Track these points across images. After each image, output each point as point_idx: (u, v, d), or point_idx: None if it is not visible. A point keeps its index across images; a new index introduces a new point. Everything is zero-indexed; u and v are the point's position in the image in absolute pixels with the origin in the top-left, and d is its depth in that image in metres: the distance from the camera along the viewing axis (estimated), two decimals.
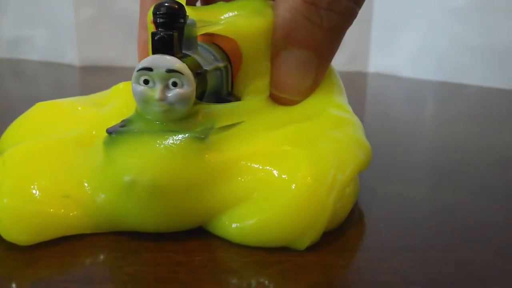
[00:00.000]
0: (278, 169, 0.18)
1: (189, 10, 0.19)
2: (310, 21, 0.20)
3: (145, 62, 0.17)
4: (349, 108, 0.22)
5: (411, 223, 0.20)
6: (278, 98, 0.21)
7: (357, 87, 0.53)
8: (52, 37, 0.64)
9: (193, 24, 0.19)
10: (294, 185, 0.17)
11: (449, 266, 0.17)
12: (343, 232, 0.19)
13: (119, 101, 0.22)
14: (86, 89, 0.55)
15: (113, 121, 0.20)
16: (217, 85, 0.20)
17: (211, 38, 0.21)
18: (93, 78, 0.58)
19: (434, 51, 0.55)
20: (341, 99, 0.22)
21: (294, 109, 0.21)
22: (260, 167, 0.18)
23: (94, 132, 0.20)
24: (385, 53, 0.60)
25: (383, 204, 0.22)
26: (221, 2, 0.22)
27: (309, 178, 0.17)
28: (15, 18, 0.66)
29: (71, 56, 0.63)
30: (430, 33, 0.55)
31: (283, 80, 0.21)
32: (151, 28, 0.22)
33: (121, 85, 0.23)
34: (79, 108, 0.23)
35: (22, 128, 0.23)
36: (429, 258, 0.17)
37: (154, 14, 0.17)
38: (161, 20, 0.17)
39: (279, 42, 0.21)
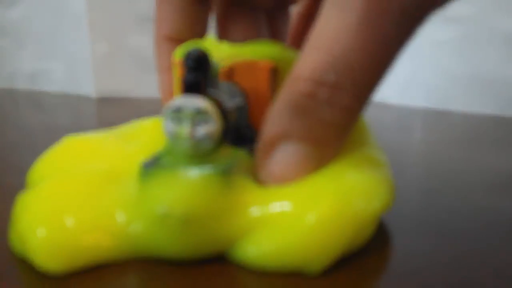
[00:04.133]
0: (302, 197, 0.18)
1: (228, 47, 0.22)
2: (309, 115, 0.18)
3: (175, 103, 0.18)
4: (383, 152, 0.23)
5: (412, 247, 0.20)
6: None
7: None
8: (70, 70, 0.65)
9: (216, 67, 0.20)
10: (314, 214, 0.17)
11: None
12: (355, 257, 0.19)
13: (146, 139, 0.23)
14: (103, 119, 0.56)
15: (141, 157, 0.21)
16: (237, 122, 0.21)
17: (229, 78, 0.23)
18: (110, 108, 0.58)
19: (421, 80, 0.56)
20: (375, 141, 0.23)
21: None
22: (285, 195, 0.18)
23: (121, 168, 0.21)
24: None
25: (382, 228, 0.22)
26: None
27: (331, 209, 0.17)
28: (34, 52, 0.67)
29: (88, 88, 0.63)
30: (417, 63, 0.56)
31: (278, 173, 0.19)
32: (176, 68, 0.23)
33: (148, 123, 0.24)
34: (106, 144, 0.23)
35: (52, 161, 0.23)
36: (436, 281, 0.17)
37: (184, 60, 0.18)
38: (190, 65, 0.18)
39: (276, 134, 0.19)
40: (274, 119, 0.19)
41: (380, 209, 0.19)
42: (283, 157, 0.19)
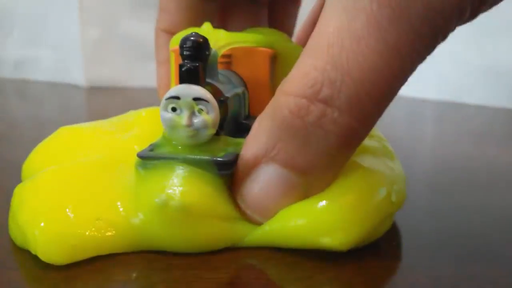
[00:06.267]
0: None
1: (225, 35, 0.22)
2: (295, 137, 0.17)
3: (173, 91, 0.18)
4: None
5: (420, 241, 0.21)
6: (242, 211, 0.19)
7: None
8: (59, 58, 0.65)
9: (215, 54, 0.20)
10: (348, 191, 0.18)
11: (463, 282, 0.18)
12: (365, 249, 0.20)
13: (141, 127, 0.23)
14: (92, 109, 0.56)
15: (136, 146, 0.21)
16: (236, 110, 0.21)
17: (229, 66, 0.23)
18: (100, 98, 0.59)
19: (434, 72, 0.56)
20: (380, 133, 0.23)
21: None
22: None
23: (117, 157, 0.21)
24: None
25: (393, 222, 0.22)
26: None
27: (362, 192, 0.18)
28: (21, 38, 0.67)
29: (77, 76, 0.63)
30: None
31: (256, 197, 0.18)
32: (173, 55, 0.24)
33: (144, 112, 0.25)
34: (102, 134, 0.24)
35: (47, 152, 0.24)
36: (443, 275, 0.18)
37: (181, 47, 0.18)
38: (188, 52, 0.18)
39: (258, 153, 0.18)
40: (258, 135, 0.18)
41: (400, 203, 0.20)
42: (264, 180, 0.18)
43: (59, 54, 0.65)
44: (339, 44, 0.15)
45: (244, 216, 0.19)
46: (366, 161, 0.19)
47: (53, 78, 0.66)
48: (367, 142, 0.21)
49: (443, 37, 0.16)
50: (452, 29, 0.16)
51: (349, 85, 0.15)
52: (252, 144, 0.18)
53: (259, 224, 0.19)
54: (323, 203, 0.18)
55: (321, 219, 0.18)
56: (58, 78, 0.66)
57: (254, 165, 0.18)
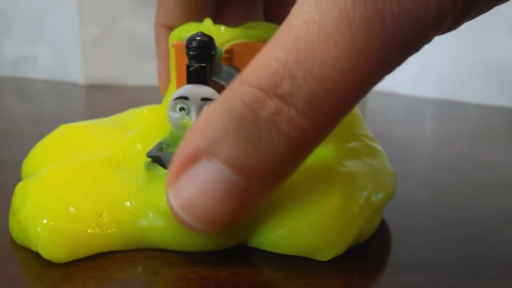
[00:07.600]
0: (316, 182, 0.19)
1: (226, 30, 0.22)
2: (244, 132, 0.15)
3: (182, 92, 0.19)
4: (377, 141, 0.24)
5: (417, 239, 0.21)
6: (176, 215, 0.16)
7: (358, 105, 0.52)
8: (57, 55, 0.65)
9: (220, 52, 0.20)
10: (328, 199, 0.18)
11: (461, 280, 0.18)
12: (360, 248, 0.20)
13: (143, 126, 0.24)
14: (91, 107, 0.56)
15: (139, 145, 0.22)
16: None
17: (230, 61, 0.23)
18: (98, 96, 0.59)
19: (433, 70, 0.57)
20: (368, 131, 0.24)
21: None
22: (298, 180, 0.19)
23: (120, 155, 0.21)
24: None
25: (390, 220, 0.23)
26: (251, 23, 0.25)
27: (343, 195, 0.19)
28: (19, 36, 0.67)
29: (76, 74, 0.64)
30: (429, 52, 0.56)
31: (192, 199, 0.15)
32: (172, 51, 0.24)
33: (145, 110, 0.25)
34: (103, 132, 0.24)
35: (48, 150, 0.24)
36: (441, 273, 0.18)
37: (187, 46, 0.19)
38: (194, 53, 0.19)
39: (199, 147, 0.15)
40: (203, 125, 0.15)
41: (385, 198, 0.20)
42: (199, 178, 0.15)
43: (58, 52, 0.65)
44: (306, 38, 0.14)
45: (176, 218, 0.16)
46: (345, 166, 0.20)
47: (51, 76, 0.66)
48: (347, 145, 0.22)
49: (416, 46, 0.15)
50: (428, 39, 0.15)
51: (310, 83, 0.14)
52: (195, 135, 0.15)
53: (189, 226, 0.16)
54: (306, 216, 0.18)
55: (303, 235, 0.18)
56: (57, 76, 0.66)
57: (193, 159, 0.15)
